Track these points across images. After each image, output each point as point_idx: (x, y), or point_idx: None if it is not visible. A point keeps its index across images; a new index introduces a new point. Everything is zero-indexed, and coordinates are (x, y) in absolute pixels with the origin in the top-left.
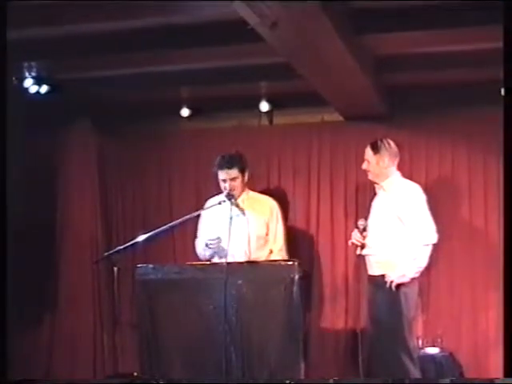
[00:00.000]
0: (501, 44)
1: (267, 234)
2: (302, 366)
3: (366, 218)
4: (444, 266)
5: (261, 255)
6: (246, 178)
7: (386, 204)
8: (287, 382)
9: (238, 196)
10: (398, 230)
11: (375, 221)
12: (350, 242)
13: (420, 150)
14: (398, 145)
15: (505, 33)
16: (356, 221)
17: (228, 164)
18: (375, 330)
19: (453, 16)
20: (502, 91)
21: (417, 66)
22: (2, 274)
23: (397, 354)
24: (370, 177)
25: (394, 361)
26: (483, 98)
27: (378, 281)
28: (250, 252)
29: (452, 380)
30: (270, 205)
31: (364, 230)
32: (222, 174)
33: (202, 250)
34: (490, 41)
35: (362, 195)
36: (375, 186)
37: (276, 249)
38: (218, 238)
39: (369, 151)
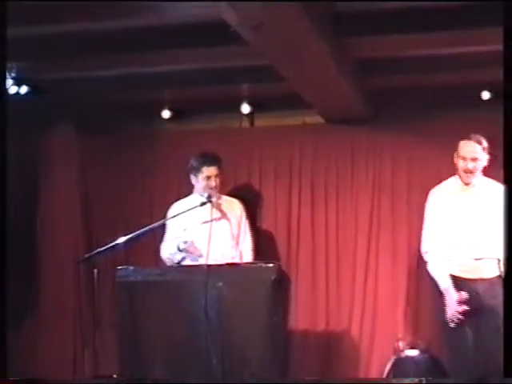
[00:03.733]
0: (483, 47)
1: (239, 236)
2: (283, 367)
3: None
4: (424, 268)
5: (234, 256)
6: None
7: (477, 202)
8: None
9: (215, 195)
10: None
11: (465, 220)
12: None
13: (402, 153)
14: (381, 147)
15: (505, 34)
16: (337, 221)
17: (214, 161)
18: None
19: (434, 19)
20: (483, 94)
21: (399, 69)
22: (2, 274)
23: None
24: (472, 178)
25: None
26: (464, 102)
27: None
28: (228, 253)
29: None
30: (239, 206)
31: None
32: (209, 171)
33: (169, 254)
34: (472, 44)
35: (343, 197)
36: (462, 183)
37: (245, 250)
38: (191, 241)
39: (477, 147)
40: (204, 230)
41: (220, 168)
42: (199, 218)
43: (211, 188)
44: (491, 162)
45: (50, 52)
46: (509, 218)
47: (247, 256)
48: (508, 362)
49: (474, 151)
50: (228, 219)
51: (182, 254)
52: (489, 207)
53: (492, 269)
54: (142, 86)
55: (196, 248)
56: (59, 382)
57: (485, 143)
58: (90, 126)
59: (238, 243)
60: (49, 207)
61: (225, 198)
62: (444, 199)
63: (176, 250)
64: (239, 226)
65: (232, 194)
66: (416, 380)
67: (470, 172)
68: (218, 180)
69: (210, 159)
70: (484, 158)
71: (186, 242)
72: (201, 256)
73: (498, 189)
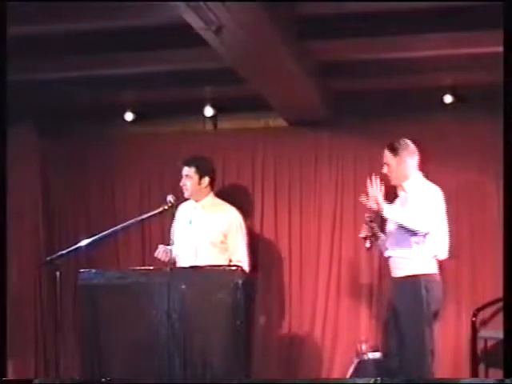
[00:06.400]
0: (445, 51)
1: (222, 243)
2: (246, 369)
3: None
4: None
5: (217, 263)
6: (205, 182)
7: (404, 204)
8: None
9: (197, 199)
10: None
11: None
12: (360, 236)
13: (365, 155)
14: (344, 150)
15: (505, 35)
16: (300, 224)
17: (187, 161)
18: (395, 332)
19: (398, 23)
20: (445, 98)
21: (361, 72)
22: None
23: (416, 353)
24: (392, 182)
25: (415, 360)
26: (427, 105)
27: (398, 282)
28: (196, 257)
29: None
30: (230, 215)
31: (371, 221)
32: (183, 170)
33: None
34: (435, 48)
35: (306, 200)
36: (397, 187)
37: (234, 259)
38: (166, 249)
39: (388, 154)
40: (183, 234)
41: (196, 171)
42: (181, 221)
43: (182, 186)
44: None
45: (12, 53)
46: (509, 219)
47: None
48: (508, 361)
49: (385, 156)
50: (209, 224)
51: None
52: (413, 208)
53: (401, 268)
54: (105, 88)
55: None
56: (82, 381)
57: (400, 149)
58: (51, 128)
59: (223, 251)
60: (9, 209)
61: (217, 201)
62: None
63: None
64: (224, 235)
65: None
66: (371, 380)
67: (385, 176)
68: (186, 181)
69: (187, 159)
70: (394, 163)
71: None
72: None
73: (427, 191)
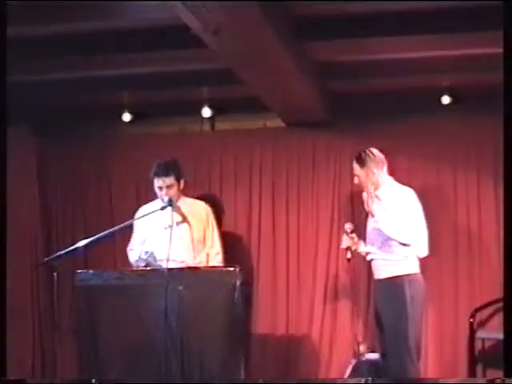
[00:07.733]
0: (442, 52)
1: (204, 239)
2: (243, 370)
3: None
4: None
5: (200, 260)
6: (182, 185)
7: (381, 210)
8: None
9: (176, 203)
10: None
11: (373, 227)
12: (341, 247)
13: None
14: (341, 151)
15: (505, 36)
16: (298, 226)
17: (164, 172)
18: (381, 332)
19: (395, 24)
20: (442, 99)
21: (359, 73)
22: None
23: (400, 355)
24: (365, 191)
25: (397, 362)
26: (425, 106)
27: (382, 284)
28: (192, 257)
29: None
30: (205, 210)
31: (351, 232)
32: (159, 182)
33: (134, 261)
34: (433, 49)
35: (304, 201)
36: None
37: (213, 253)
38: (151, 253)
39: (356, 166)
40: (164, 235)
41: (175, 178)
42: (161, 222)
43: (162, 199)
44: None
45: (11, 53)
46: (509, 220)
47: (214, 259)
48: (508, 361)
49: (354, 168)
50: (189, 223)
51: (144, 263)
52: (389, 212)
53: (384, 270)
54: (103, 88)
55: (155, 259)
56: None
57: (366, 160)
58: (49, 129)
59: (203, 247)
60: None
61: (189, 200)
62: None
63: (138, 258)
64: (204, 230)
65: (192, 197)
66: (362, 380)
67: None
68: (169, 191)
69: (160, 170)
70: (362, 174)
71: (147, 253)
72: (159, 265)
73: (402, 194)
